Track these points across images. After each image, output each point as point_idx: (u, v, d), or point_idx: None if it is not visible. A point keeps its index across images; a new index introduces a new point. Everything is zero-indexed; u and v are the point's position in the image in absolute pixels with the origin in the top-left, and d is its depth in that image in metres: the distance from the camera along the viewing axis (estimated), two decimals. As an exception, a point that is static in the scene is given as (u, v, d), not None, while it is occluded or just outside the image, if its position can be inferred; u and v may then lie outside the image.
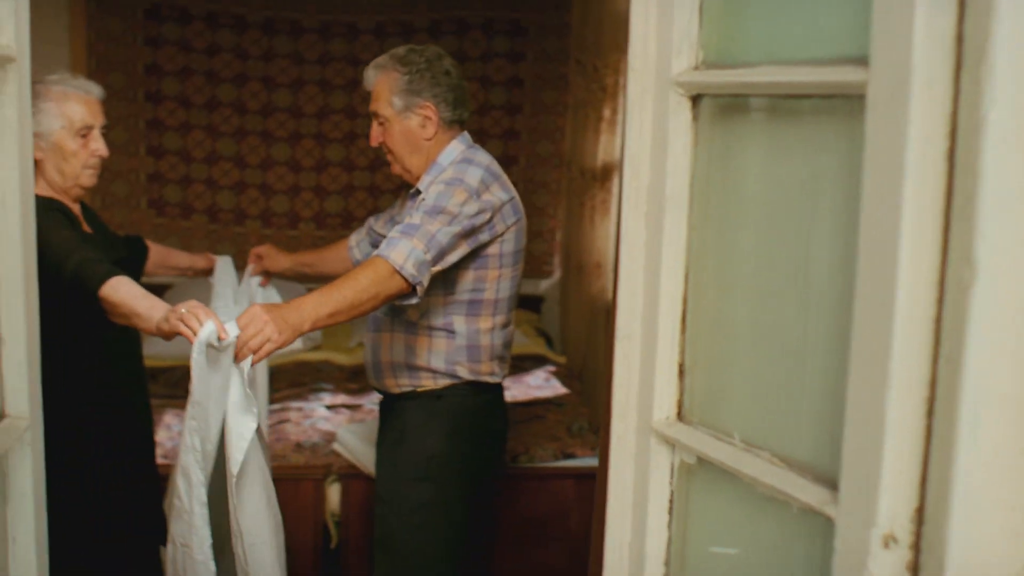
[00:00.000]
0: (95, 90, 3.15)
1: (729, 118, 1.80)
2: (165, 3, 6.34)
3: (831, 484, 1.52)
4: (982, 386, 1.27)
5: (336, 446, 4.45)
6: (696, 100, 1.80)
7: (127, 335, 3.19)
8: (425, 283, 2.92)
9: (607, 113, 5.97)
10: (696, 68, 1.79)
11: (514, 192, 3.23)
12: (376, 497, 3.38)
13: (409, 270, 2.86)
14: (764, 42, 1.73)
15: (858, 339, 1.40)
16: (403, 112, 3.18)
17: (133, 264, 3.37)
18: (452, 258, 3.03)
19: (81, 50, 6.26)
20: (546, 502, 4.40)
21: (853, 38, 1.48)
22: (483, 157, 3.22)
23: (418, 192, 3.22)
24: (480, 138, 6.54)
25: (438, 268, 2.98)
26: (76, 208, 3.17)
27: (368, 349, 3.40)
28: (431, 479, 3.26)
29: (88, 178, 3.13)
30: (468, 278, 3.19)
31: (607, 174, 6.05)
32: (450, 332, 3.24)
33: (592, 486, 4.14)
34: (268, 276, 3.62)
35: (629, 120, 1.87)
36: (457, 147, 3.24)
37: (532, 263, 6.80)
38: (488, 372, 3.31)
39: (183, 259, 3.58)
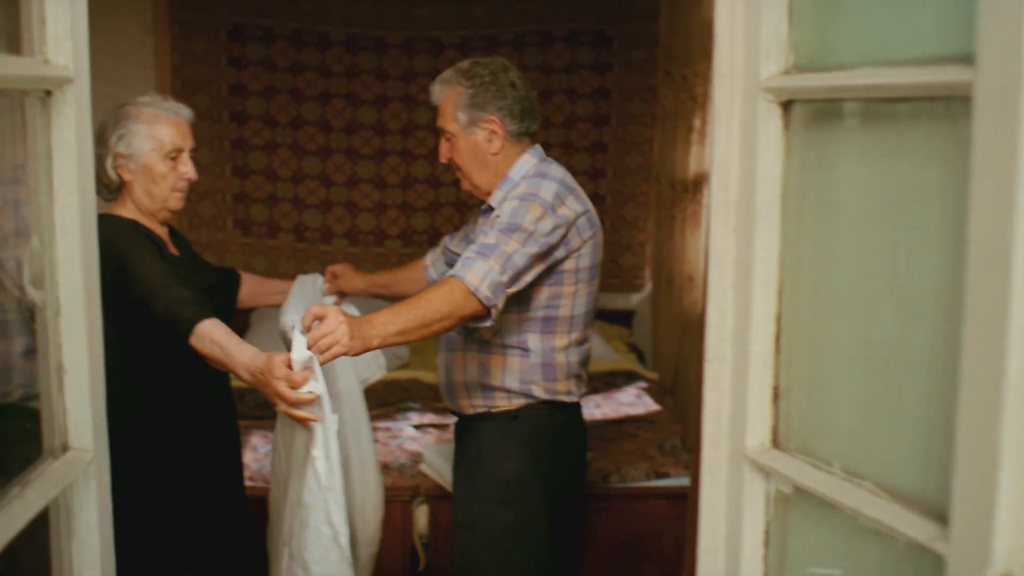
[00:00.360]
0: (185, 112, 3.12)
1: (822, 125, 1.69)
2: (248, 23, 6.34)
3: (940, 518, 1.40)
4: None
5: (423, 467, 4.38)
6: (787, 106, 1.69)
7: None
8: (500, 305, 2.85)
9: (697, 123, 5.85)
10: (786, 72, 1.68)
11: (589, 205, 3.14)
12: (454, 522, 3.30)
13: (484, 292, 2.80)
14: (859, 42, 1.62)
15: (968, 360, 1.28)
16: (468, 127, 3.12)
17: (224, 292, 3.34)
18: (528, 278, 2.95)
19: (166, 72, 6.28)
20: (638, 523, 4.30)
21: (956, 35, 1.36)
22: (556, 170, 3.14)
23: (490, 208, 3.15)
24: (567, 150, 6.51)
25: (514, 289, 2.91)
26: (163, 231, 3.14)
27: (441, 369, 3.33)
28: (511, 502, 3.17)
29: (176, 201, 3.10)
30: (543, 295, 3.11)
31: (698, 185, 5.94)
32: (524, 350, 3.15)
33: (686, 507, 4.05)
34: (343, 296, 3.55)
35: (716, 129, 1.76)
36: (529, 161, 3.16)
37: (622, 276, 6.70)
38: (564, 391, 3.22)
39: (278, 287, 3.51)
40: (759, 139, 1.69)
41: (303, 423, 2.60)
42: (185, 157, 3.07)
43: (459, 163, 3.17)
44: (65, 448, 1.71)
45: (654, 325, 6.42)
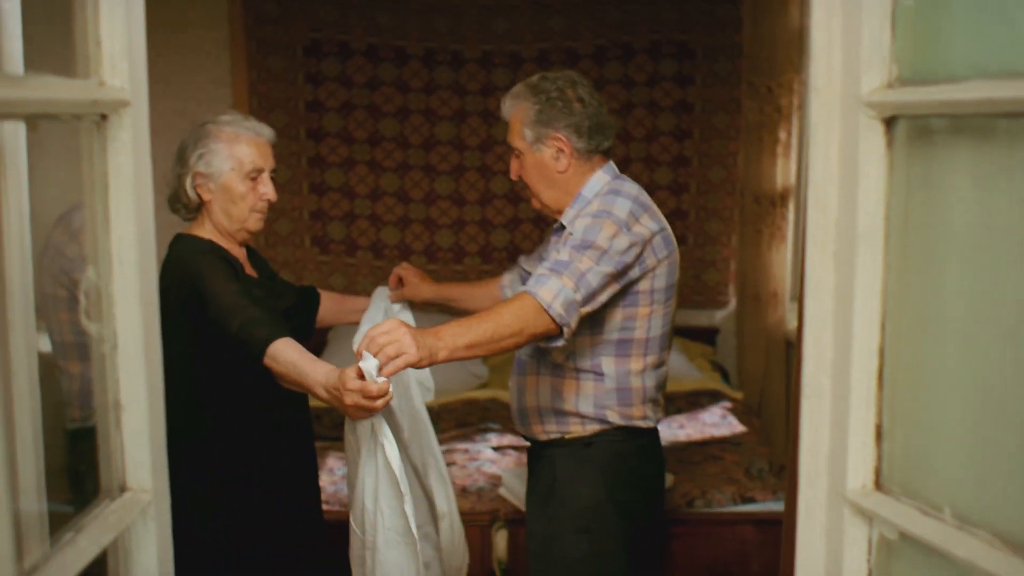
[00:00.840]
0: (266, 132, 3.08)
1: (930, 142, 1.56)
2: (325, 39, 6.30)
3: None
4: None
5: (502, 490, 4.28)
6: (890, 122, 1.56)
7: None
8: (573, 325, 2.75)
9: (783, 136, 5.73)
10: (889, 85, 1.55)
11: (665, 223, 3.03)
12: (528, 551, 3.20)
13: (557, 310, 2.71)
14: (971, 52, 1.49)
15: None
16: (535, 144, 3.02)
17: (303, 313, 3.28)
18: (603, 298, 2.85)
19: (243, 89, 6.26)
20: (724, 549, 4.16)
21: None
22: (631, 187, 3.03)
23: (562, 227, 3.06)
24: (648, 165, 6.39)
25: (588, 309, 2.81)
26: (241, 252, 3.09)
27: (513, 394, 3.23)
28: (586, 530, 3.06)
29: (255, 222, 3.06)
30: (617, 317, 3.00)
31: (783, 199, 5.80)
32: (598, 375, 3.05)
33: (773, 532, 3.92)
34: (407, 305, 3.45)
35: (813, 147, 1.64)
36: (602, 178, 3.06)
37: (706, 293, 6.56)
38: (640, 416, 3.10)
39: (358, 304, 3.43)
40: (860, 158, 1.56)
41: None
42: (265, 177, 3.03)
43: (528, 181, 3.09)
44: (123, 489, 1.62)
45: (739, 343, 6.27)
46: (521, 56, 6.38)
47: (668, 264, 3.01)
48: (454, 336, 2.58)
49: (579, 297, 2.75)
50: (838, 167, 1.61)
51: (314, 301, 3.38)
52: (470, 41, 6.37)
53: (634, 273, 2.92)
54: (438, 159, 6.44)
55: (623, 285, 2.92)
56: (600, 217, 2.89)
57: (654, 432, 3.22)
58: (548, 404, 3.11)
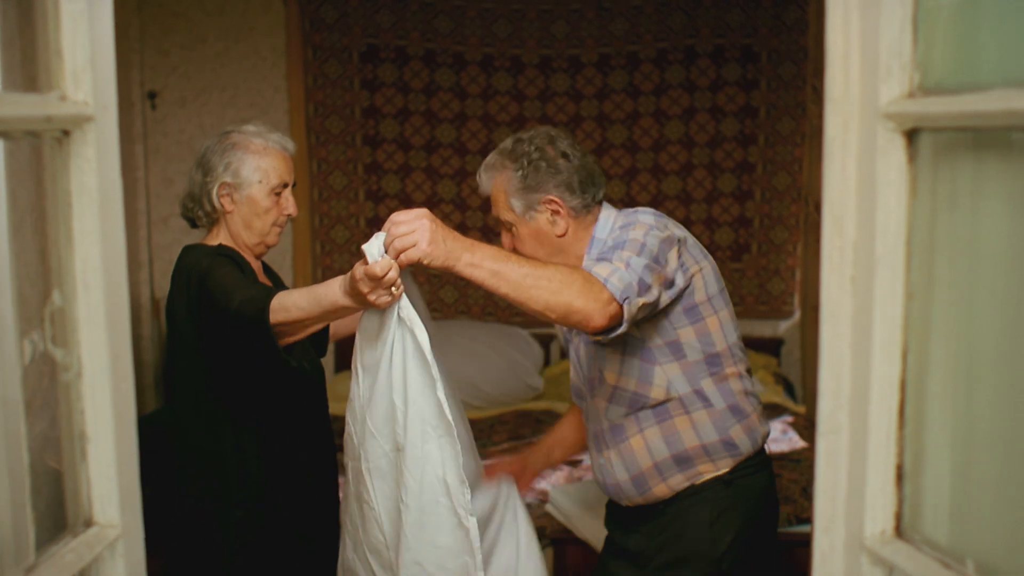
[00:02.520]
0: (291, 147, 3.02)
1: (956, 157, 1.42)
2: (382, 44, 6.23)
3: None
4: None
5: (549, 507, 4.16)
6: (912, 135, 1.42)
7: (310, 386, 3.04)
8: (634, 309, 2.48)
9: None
10: (910, 95, 1.41)
11: (692, 237, 2.85)
12: None
13: (615, 284, 2.44)
14: (1001, 59, 1.35)
15: None
16: (527, 212, 2.77)
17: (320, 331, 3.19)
18: (655, 292, 2.56)
19: (300, 95, 6.22)
20: (778, 572, 4.00)
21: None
22: (646, 208, 2.84)
23: None
24: (711, 171, 6.24)
25: (645, 300, 2.51)
26: (257, 265, 3.01)
27: (616, 468, 2.93)
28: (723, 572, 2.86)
29: (275, 236, 3.01)
30: (692, 336, 2.79)
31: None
32: (705, 399, 2.82)
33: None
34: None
35: (828, 162, 1.50)
36: (608, 215, 2.85)
37: (771, 303, 6.41)
38: (759, 424, 2.91)
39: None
40: (878, 174, 1.43)
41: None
42: (288, 192, 2.97)
43: (527, 253, 2.78)
44: (88, 524, 1.54)
45: (803, 355, 6.10)
46: (580, 61, 6.27)
47: (711, 267, 2.83)
48: (485, 255, 2.33)
49: (634, 281, 2.49)
50: (855, 184, 1.47)
51: None
52: (529, 46, 6.26)
53: (678, 278, 2.70)
54: (494, 165, 6.34)
55: (675, 295, 2.71)
56: (628, 226, 2.71)
57: (767, 458, 3.01)
58: (667, 455, 2.85)
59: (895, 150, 1.42)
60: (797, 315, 6.34)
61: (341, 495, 3.02)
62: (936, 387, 1.46)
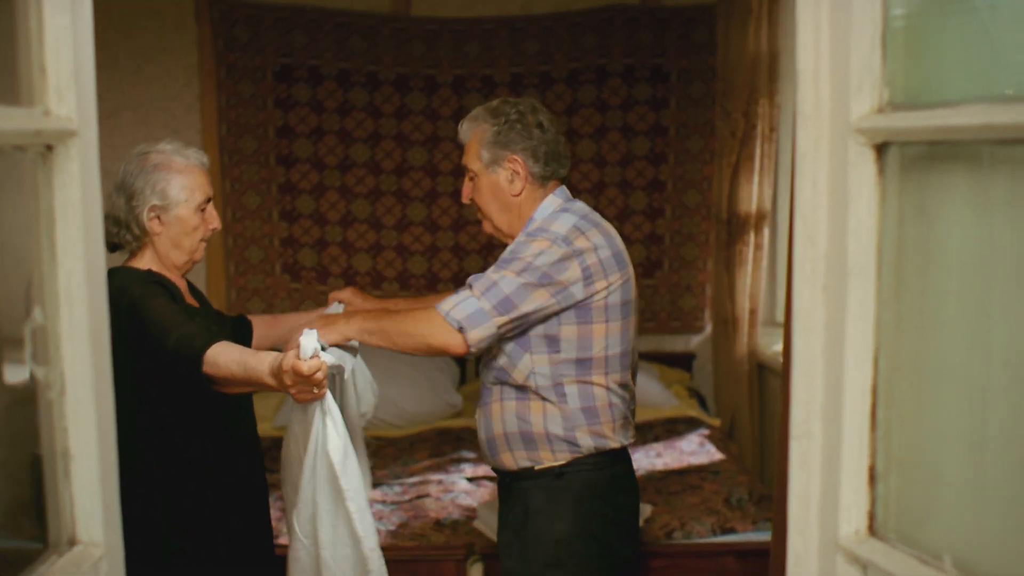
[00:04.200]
0: (206, 160, 3.03)
1: (925, 170, 1.48)
2: (296, 63, 6.21)
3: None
4: None
5: (476, 523, 4.19)
6: (881, 149, 1.48)
7: (239, 408, 3.02)
8: (481, 334, 2.83)
9: (756, 159, 5.68)
10: (880, 110, 1.47)
11: (619, 243, 3.03)
12: None
13: (455, 316, 2.81)
14: (967, 75, 1.42)
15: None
16: (491, 165, 3.04)
17: (239, 343, 3.18)
18: (525, 308, 2.85)
19: (212, 115, 6.17)
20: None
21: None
22: (580, 207, 3.05)
23: None
24: (623, 189, 6.32)
25: (506, 318, 2.83)
26: (182, 283, 3.00)
27: (480, 424, 3.16)
28: (561, 566, 3.00)
29: (201, 252, 3.02)
30: (572, 335, 2.96)
31: (759, 224, 5.77)
32: (562, 395, 2.99)
33: (756, 564, 3.83)
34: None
35: (800, 176, 1.56)
36: (553, 202, 3.06)
37: (682, 318, 6.49)
38: (611, 434, 3.04)
39: (290, 322, 3.30)
40: (850, 187, 1.48)
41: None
42: (211, 207, 2.96)
43: (480, 203, 3.10)
44: (72, 543, 1.53)
45: (715, 369, 6.21)
46: (494, 80, 6.30)
47: (623, 280, 2.99)
48: (355, 324, 2.84)
49: (487, 305, 2.80)
50: (827, 197, 1.52)
51: (247, 329, 3.27)
52: (443, 66, 6.29)
53: (575, 289, 2.90)
54: (410, 185, 6.35)
55: (564, 299, 2.89)
56: (534, 235, 2.92)
57: (627, 459, 3.15)
58: (515, 430, 3.03)
59: (866, 164, 1.48)
60: (708, 329, 6.44)
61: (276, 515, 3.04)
62: (906, 391, 1.52)
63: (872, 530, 1.54)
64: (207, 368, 2.61)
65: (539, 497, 3.04)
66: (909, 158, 1.49)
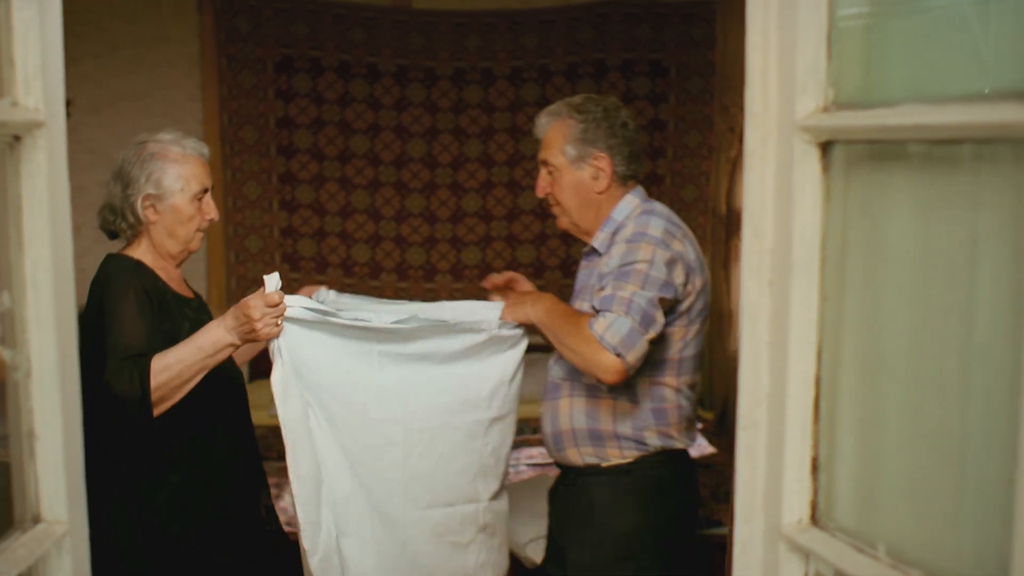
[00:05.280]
0: (206, 151, 3.02)
1: (868, 168, 1.52)
2: (297, 55, 6.26)
3: (1000, 618, 1.22)
4: None
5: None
6: (826, 147, 1.52)
7: (224, 399, 3.03)
8: (635, 356, 2.72)
9: (734, 154, 5.72)
10: (825, 110, 1.51)
11: (697, 247, 2.98)
12: None
13: (609, 341, 2.70)
14: (908, 76, 1.46)
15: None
16: (576, 162, 2.99)
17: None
18: (661, 317, 2.78)
19: (214, 105, 6.22)
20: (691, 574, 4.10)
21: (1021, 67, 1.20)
22: (661, 208, 3.00)
23: (593, 251, 3.03)
24: (621, 183, 6.33)
25: (653, 333, 2.75)
26: (177, 273, 3.02)
27: (546, 419, 3.12)
28: (631, 559, 2.98)
29: (198, 242, 3.01)
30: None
31: (740, 220, 5.80)
32: (633, 396, 2.97)
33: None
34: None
35: (748, 172, 1.60)
36: (631, 201, 3.01)
37: (678, 313, 6.51)
38: (677, 436, 3.02)
39: None
40: (795, 184, 1.52)
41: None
42: (208, 197, 2.98)
43: (560, 198, 3.04)
44: (36, 520, 1.57)
45: (708, 363, 6.24)
46: (493, 73, 6.35)
47: (703, 283, 2.97)
48: (546, 311, 2.89)
49: (634, 323, 2.71)
50: (773, 193, 1.56)
51: None
52: (441, 58, 6.33)
53: (679, 290, 2.86)
54: (409, 176, 6.40)
55: (674, 303, 2.87)
56: (635, 241, 2.86)
57: (688, 457, 3.14)
58: (584, 427, 3.02)
59: (810, 161, 1.52)
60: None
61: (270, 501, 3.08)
62: (848, 383, 1.56)
63: (814, 519, 1.58)
64: (156, 379, 2.69)
65: (605, 493, 3.02)
66: (854, 157, 1.52)
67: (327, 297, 3.10)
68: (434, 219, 6.44)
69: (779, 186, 1.56)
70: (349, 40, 6.30)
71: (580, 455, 3.04)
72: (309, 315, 2.78)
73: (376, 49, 6.30)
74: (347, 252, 6.42)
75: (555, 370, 3.08)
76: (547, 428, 3.11)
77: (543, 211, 6.41)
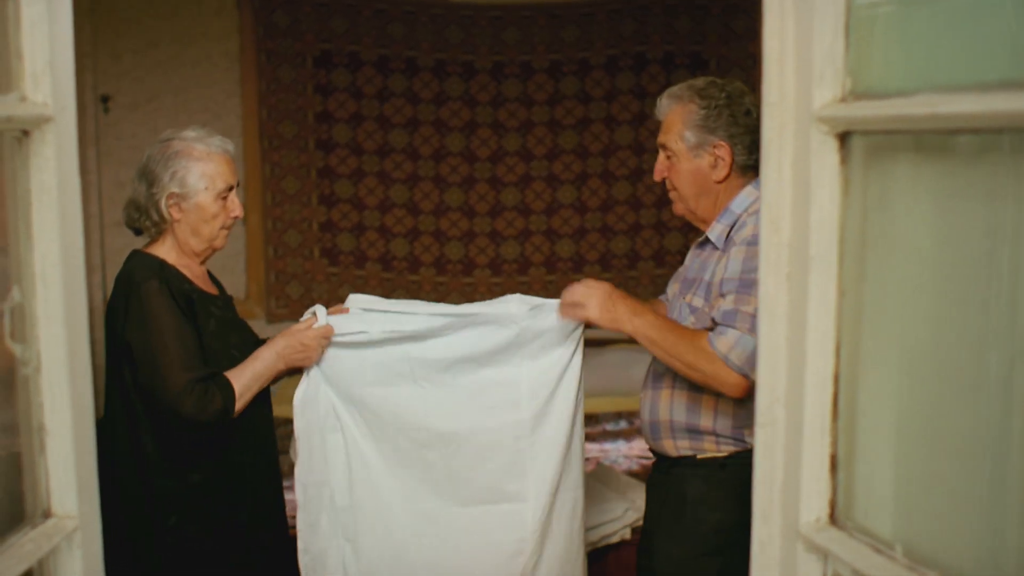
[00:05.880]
0: (231, 148, 3.01)
1: (886, 159, 1.48)
2: (335, 49, 6.26)
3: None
4: None
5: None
6: (844, 138, 1.48)
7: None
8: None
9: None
10: (843, 100, 1.47)
11: None
12: (656, 571, 3.07)
13: (735, 362, 2.67)
14: (927, 64, 1.41)
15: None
16: (695, 149, 2.90)
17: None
18: None
19: (253, 100, 6.24)
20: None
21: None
22: None
23: (706, 241, 2.96)
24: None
25: None
26: (201, 271, 3.01)
27: (645, 406, 3.08)
28: (720, 554, 2.92)
29: (223, 240, 3.00)
30: None
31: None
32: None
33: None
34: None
35: (765, 164, 1.56)
36: (752, 193, 2.91)
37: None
38: None
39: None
40: (813, 176, 1.49)
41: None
42: (233, 195, 2.97)
43: (676, 184, 2.96)
44: (47, 515, 1.57)
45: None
46: (532, 67, 6.32)
47: None
48: (643, 325, 2.77)
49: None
50: (791, 185, 1.53)
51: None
52: (481, 52, 6.32)
53: None
54: (448, 171, 6.39)
55: None
56: (756, 245, 2.68)
57: None
58: (683, 420, 2.97)
59: (828, 152, 1.48)
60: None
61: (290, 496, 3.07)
62: (868, 380, 1.52)
63: (833, 518, 1.55)
64: (238, 407, 2.86)
65: (698, 486, 2.97)
66: (873, 147, 1.49)
67: (358, 302, 3.09)
68: (473, 213, 6.42)
69: (796, 178, 1.52)
70: (387, 34, 6.29)
71: (676, 447, 2.99)
72: (348, 339, 2.90)
73: (415, 43, 6.30)
74: (386, 246, 6.42)
75: (658, 361, 3.01)
76: (645, 415, 3.07)
77: (583, 205, 6.40)
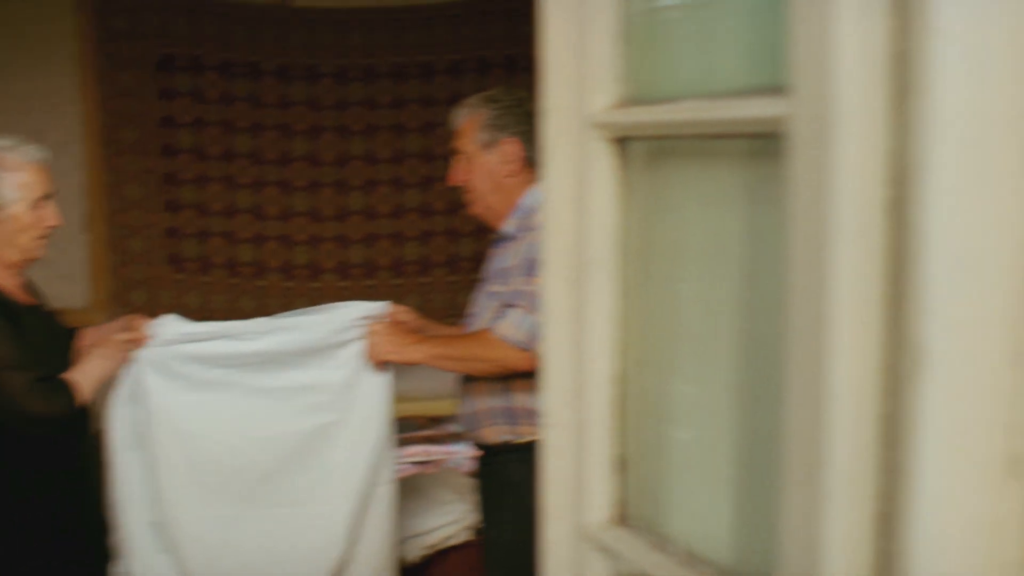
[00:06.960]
0: (47, 156, 2.95)
1: (664, 164, 1.51)
2: (178, 53, 6.16)
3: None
4: (937, 506, 0.98)
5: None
6: (622, 143, 1.51)
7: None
8: None
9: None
10: (618, 106, 1.49)
11: None
12: (487, 559, 3.22)
13: (516, 338, 2.88)
14: (689, 71, 1.45)
15: (789, 445, 1.12)
16: (486, 147, 3.09)
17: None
18: None
19: (93, 106, 6.10)
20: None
21: (774, 61, 1.19)
22: None
23: (502, 239, 3.11)
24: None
25: None
26: (18, 281, 2.95)
27: (462, 401, 3.21)
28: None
29: (41, 249, 2.96)
30: None
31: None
32: None
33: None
34: None
35: (547, 169, 1.58)
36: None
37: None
38: None
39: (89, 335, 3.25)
40: (590, 180, 1.51)
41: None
42: (50, 204, 2.91)
43: (473, 184, 3.14)
44: None
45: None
46: (376, 71, 6.30)
47: None
48: (426, 350, 3.02)
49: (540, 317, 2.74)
50: (570, 190, 1.55)
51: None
52: (325, 56, 6.27)
53: None
54: (294, 175, 6.33)
55: None
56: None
57: None
58: (498, 405, 3.08)
59: (604, 157, 1.51)
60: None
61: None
62: (650, 380, 1.55)
63: (622, 518, 1.57)
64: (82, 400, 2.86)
65: (519, 469, 3.02)
66: (652, 152, 1.51)
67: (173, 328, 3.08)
68: (319, 217, 6.37)
69: (575, 183, 1.54)
70: (230, 38, 6.21)
71: (495, 433, 3.10)
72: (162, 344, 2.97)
73: (258, 47, 6.22)
74: (232, 252, 6.33)
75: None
76: (463, 409, 3.20)
77: (428, 208, 6.40)
